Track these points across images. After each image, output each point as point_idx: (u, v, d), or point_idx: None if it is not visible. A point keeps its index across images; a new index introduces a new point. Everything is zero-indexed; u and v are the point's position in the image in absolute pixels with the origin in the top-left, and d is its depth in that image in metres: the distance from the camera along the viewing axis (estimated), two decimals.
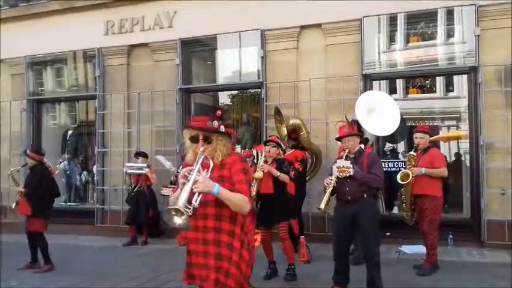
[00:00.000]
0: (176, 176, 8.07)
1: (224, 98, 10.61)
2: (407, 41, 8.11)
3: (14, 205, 6.79)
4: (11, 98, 10.53)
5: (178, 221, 2.48)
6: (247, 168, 2.76)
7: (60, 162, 11.12)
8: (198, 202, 2.54)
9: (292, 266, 5.72)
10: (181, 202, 2.47)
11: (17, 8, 10.39)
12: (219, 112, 2.79)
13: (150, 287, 5.63)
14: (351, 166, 4.56)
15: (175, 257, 7.36)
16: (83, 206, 10.86)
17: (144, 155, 8.60)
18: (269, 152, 5.80)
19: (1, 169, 10.24)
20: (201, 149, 2.69)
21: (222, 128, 2.76)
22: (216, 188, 2.55)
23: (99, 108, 9.79)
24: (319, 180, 7.23)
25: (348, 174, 4.56)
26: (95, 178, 9.89)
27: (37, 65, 10.74)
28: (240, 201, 2.62)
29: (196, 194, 2.55)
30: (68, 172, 11.20)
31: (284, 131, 7.16)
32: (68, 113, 11.99)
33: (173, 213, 2.48)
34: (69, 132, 11.67)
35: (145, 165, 8.36)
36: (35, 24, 10.24)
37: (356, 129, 5.17)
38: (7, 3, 10.47)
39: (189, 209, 2.49)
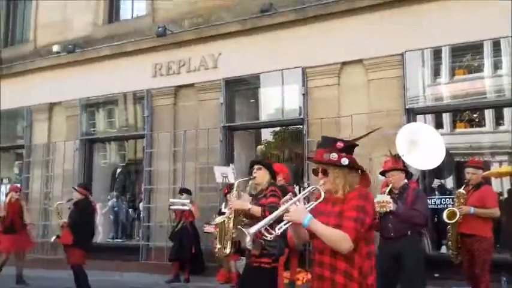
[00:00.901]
0: (219, 214, 8.12)
1: (267, 135, 10.71)
2: (452, 74, 7.96)
3: (53, 238, 7.05)
4: (65, 138, 11.11)
5: (247, 240, 2.48)
6: (363, 206, 2.50)
7: (109, 200, 11.48)
8: (281, 230, 2.47)
9: None
10: (253, 230, 2.46)
11: (74, 53, 11.10)
12: (340, 144, 2.61)
13: None
14: (391, 201, 4.43)
15: None
16: (129, 242, 11.07)
17: (187, 191, 8.73)
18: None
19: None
20: (321, 182, 2.61)
21: (344, 161, 2.56)
22: (307, 220, 2.42)
23: (146, 147, 10.13)
24: None
25: (388, 209, 4.43)
26: (141, 215, 10.11)
27: (90, 106, 11.32)
28: (335, 236, 2.42)
29: (283, 223, 2.47)
30: (115, 209, 11.52)
31: None
32: (118, 151, 12.46)
33: (245, 233, 2.47)
34: (118, 170, 12.08)
35: (188, 201, 8.47)
36: (88, 68, 10.89)
37: (401, 164, 5.04)
38: (65, 49, 11.23)
39: (271, 234, 2.48)
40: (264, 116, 9.64)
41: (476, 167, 5.78)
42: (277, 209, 3.82)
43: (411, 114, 7.88)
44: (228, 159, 9.41)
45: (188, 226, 8.42)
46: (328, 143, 2.66)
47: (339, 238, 2.41)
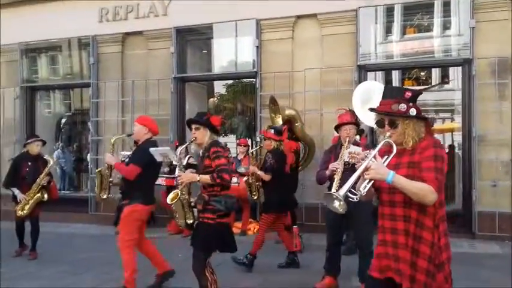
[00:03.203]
0: (170, 166, 8.09)
1: (219, 87, 10.59)
2: (403, 32, 8.11)
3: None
4: (3, 85, 10.44)
5: (336, 204, 2.37)
6: (440, 155, 2.45)
7: (54, 151, 11.08)
8: (366, 190, 2.40)
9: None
10: (342, 192, 2.35)
11: None
12: (408, 93, 2.53)
13: (144, 274, 5.65)
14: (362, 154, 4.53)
15: (166, 245, 7.44)
16: (77, 194, 10.85)
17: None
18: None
19: None
20: (387, 134, 2.52)
21: (412, 111, 2.49)
22: (390, 176, 2.35)
23: (93, 96, 9.74)
24: (312, 171, 7.27)
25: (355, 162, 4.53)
26: (89, 166, 9.87)
27: (31, 52, 10.64)
28: (419, 190, 2.36)
29: (366, 181, 2.40)
30: (61, 160, 11.17)
31: (279, 121, 7.16)
32: (62, 100, 11.94)
33: (334, 196, 2.38)
34: (63, 120, 11.61)
35: None
36: (29, 10, 10.14)
37: (356, 119, 5.14)
38: None
39: (355, 195, 2.41)
40: (216, 68, 9.48)
41: None
42: (227, 171, 3.90)
43: (362, 70, 8.04)
44: (180, 112, 9.26)
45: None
46: (395, 93, 2.58)
47: (425, 191, 2.36)
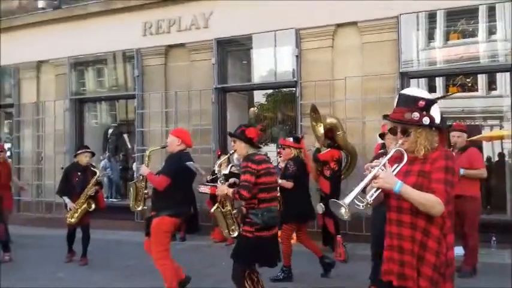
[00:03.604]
0: (213, 174, 8.24)
1: (259, 97, 10.70)
2: (446, 38, 7.96)
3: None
4: (54, 98, 10.96)
5: (343, 211, 2.42)
6: (451, 167, 2.44)
7: (101, 160, 11.50)
8: (373, 198, 2.42)
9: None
10: (348, 200, 2.39)
11: (61, 10, 10.78)
12: (421, 102, 2.50)
13: (194, 280, 5.79)
14: None
15: (211, 253, 7.57)
16: (123, 202, 11.18)
17: None
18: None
19: (45, 166, 10.74)
20: (399, 142, 2.53)
21: (426, 120, 2.46)
22: (398, 186, 2.37)
23: (138, 108, 10.07)
24: (354, 180, 7.23)
25: None
26: (135, 175, 10.17)
27: (79, 65, 11.13)
28: (426, 201, 2.37)
29: (374, 190, 2.43)
30: (107, 169, 11.57)
31: (320, 130, 7.16)
32: (109, 112, 12.38)
33: (340, 204, 2.41)
34: (110, 130, 12.03)
35: None
36: (77, 26, 10.61)
37: None
38: (51, 5, 10.88)
39: (362, 202, 2.41)
40: (256, 78, 9.60)
41: (461, 130, 5.91)
42: (247, 188, 3.91)
43: (405, 78, 7.95)
44: (221, 121, 9.44)
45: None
46: (409, 101, 2.55)
47: (432, 203, 2.37)
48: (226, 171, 7.62)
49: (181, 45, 9.77)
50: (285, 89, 10.06)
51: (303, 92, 8.58)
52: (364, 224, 7.41)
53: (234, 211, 5.03)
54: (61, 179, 7.15)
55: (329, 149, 7.02)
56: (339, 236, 6.70)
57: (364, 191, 2.48)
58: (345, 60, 8.33)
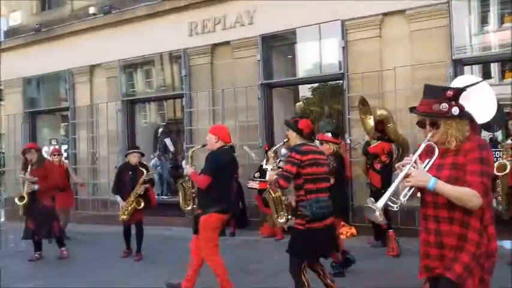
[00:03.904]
0: (260, 170, 8.28)
1: (305, 91, 10.61)
2: (501, 21, 7.55)
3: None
4: (106, 100, 11.36)
5: (377, 214, 2.41)
6: (486, 158, 2.38)
7: (152, 159, 11.82)
8: (407, 198, 2.40)
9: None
10: (381, 204, 2.39)
11: (110, 15, 11.16)
12: (449, 92, 2.45)
13: (239, 276, 5.84)
14: None
15: (260, 248, 7.60)
16: (174, 199, 11.43)
17: (233, 149, 8.88)
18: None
19: (100, 166, 11.17)
20: (429, 135, 2.49)
21: (455, 110, 2.41)
22: (432, 183, 2.33)
23: (186, 106, 10.25)
24: None
25: None
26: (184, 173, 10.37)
27: (129, 67, 11.47)
28: (463, 195, 2.32)
29: (407, 189, 2.41)
30: (158, 168, 11.87)
31: (370, 122, 6.98)
32: (158, 111, 12.69)
33: (373, 208, 2.42)
34: (160, 130, 12.33)
35: None
36: (126, 29, 10.93)
37: None
38: (101, 11, 11.29)
39: (396, 203, 2.40)
40: (301, 72, 9.52)
41: None
42: (286, 177, 3.91)
43: (458, 65, 7.61)
44: (267, 117, 9.44)
45: (233, 183, 8.64)
46: (436, 92, 2.50)
47: (469, 196, 2.31)
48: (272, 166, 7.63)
49: (227, 43, 9.84)
50: (331, 82, 9.91)
51: (350, 84, 8.41)
52: (417, 218, 7.18)
53: (283, 197, 5.06)
54: (114, 178, 7.44)
55: (379, 142, 6.86)
56: (391, 230, 6.54)
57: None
58: (393, 49, 8.09)
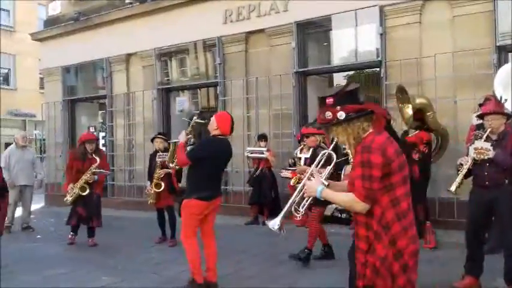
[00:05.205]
0: (293, 159, 8.21)
1: (340, 79, 10.40)
2: None
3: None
4: (142, 88, 11.52)
5: (275, 228, 2.70)
6: (366, 161, 2.36)
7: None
8: (304, 208, 2.66)
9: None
10: (275, 223, 2.67)
11: (146, 3, 11.25)
12: (330, 100, 2.52)
13: (272, 264, 5.84)
14: (491, 148, 4.18)
15: (293, 237, 7.56)
16: None
17: (265, 137, 8.89)
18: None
19: (136, 152, 11.38)
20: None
21: (340, 115, 2.45)
22: (319, 192, 2.53)
23: (220, 95, 10.26)
24: (445, 163, 6.81)
25: (486, 157, 4.19)
26: None
27: (164, 56, 11.57)
28: (344, 202, 2.49)
29: (305, 199, 2.64)
30: None
31: (409, 111, 6.75)
32: (192, 100, 12.77)
33: (271, 227, 2.70)
34: (194, 118, 12.38)
35: (265, 149, 8.65)
36: (161, 18, 10.99)
37: (503, 107, 4.69)
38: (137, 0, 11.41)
39: (299, 213, 2.66)
40: (337, 60, 9.34)
41: None
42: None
43: (503, 52, 7.27)
44: (301, 105, 9.34)
45: (267, 172, 8.66)
46: (323, 101, 2.61)
47: (349, 202, 2.42)
48: (308, 155, 7.55)
49: (261, 30, 9.75)
50: (367, 70, 9.67)
51: (388, 72, 8.19)
52: (456, 210, 6.97)
53: None
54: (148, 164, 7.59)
55: (417, 131, 6.65)
56: (428, 222, 6.36)
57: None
58: (434, 36, 7.79)
